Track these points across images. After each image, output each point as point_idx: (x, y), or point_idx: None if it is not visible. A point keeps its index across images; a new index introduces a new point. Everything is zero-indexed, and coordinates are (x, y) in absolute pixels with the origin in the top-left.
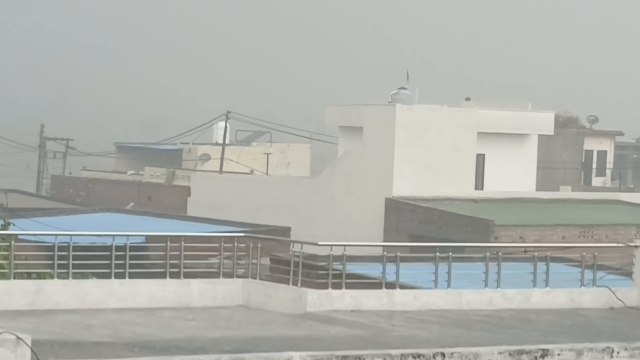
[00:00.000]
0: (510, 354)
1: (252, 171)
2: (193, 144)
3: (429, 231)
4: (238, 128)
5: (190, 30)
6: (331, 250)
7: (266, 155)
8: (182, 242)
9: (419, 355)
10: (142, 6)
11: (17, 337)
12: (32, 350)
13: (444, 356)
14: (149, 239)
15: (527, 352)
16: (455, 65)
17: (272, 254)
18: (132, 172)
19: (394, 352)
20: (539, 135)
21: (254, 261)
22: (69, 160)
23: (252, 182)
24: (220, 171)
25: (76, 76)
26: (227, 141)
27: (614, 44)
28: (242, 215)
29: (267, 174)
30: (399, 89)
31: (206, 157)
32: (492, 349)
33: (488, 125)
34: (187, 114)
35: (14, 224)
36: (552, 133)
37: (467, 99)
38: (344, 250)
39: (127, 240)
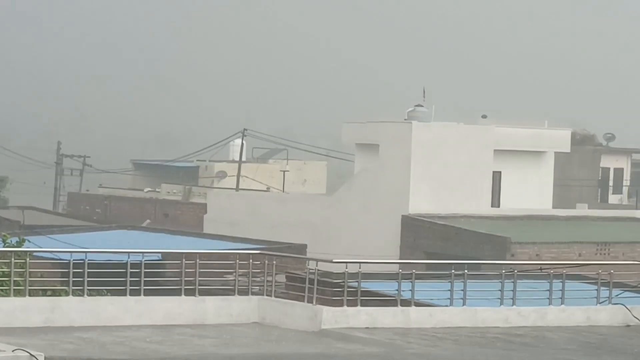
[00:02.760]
0: None
1: (268, 188)
2: (209, 161)
3: (446, 248)
4: (255, 145)
5: (205, 48)
6: (346, 267)
7: (283, 172)
8: (197, 260)
9: None
10: (157, 25)
11: (30, 354)
12: None
13: None
14: (164, 256)
15: None
16: (471, 83)
17: (287, 272)
18: (149, 189)
19: None
20: (555, 152)
21: (269, 278)
22: (86, 177)
23: (269, 200)
24: (237, 188)
25: (92, 94)
26: (243, 158)
27: (630, 61)
28: (259, 232)
29: (283, 191)
30: (415, 106)
31: (223, 175)
32: None
33: (504, 143)
34: (204, 131)
35: (29, 241)
36: (568, 150)
37: (484, 117)
38: (359, 268)
39: (142, 258)
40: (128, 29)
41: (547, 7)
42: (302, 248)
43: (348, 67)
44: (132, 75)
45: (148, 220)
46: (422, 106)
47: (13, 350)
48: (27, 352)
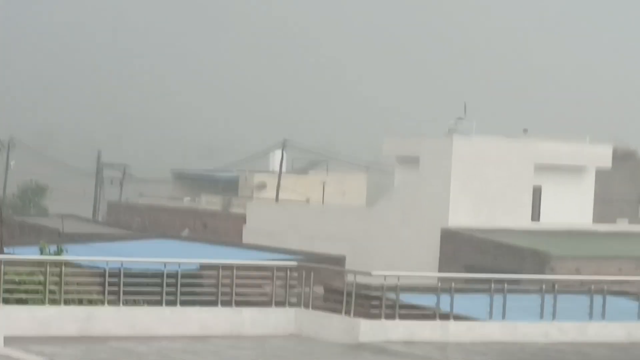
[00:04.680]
0: None
1: (308, 200)
2: (249, 172)
3: (485, 262)
4: (295, 157)
5: (247, 60)
6: (384, 280)
7: (322, 184)
8: (234, 271)
9: None
10: (199, 36)
11: None
12: None
13: None
14: (201, 266)
15: None
16: (512, 97)
17: (325, 283)
18: (189, 199)
19: None
20: (596, 168)
21: (307, 290)
22: (126, 186)
23: (308, 211)
24: (277, 200)
25: (133, 104)
26: (283, 170)
27: None
28: (298, 243)
29: (323, 203)
30: (456, 120)
31: (262, 185)
32: None
33: (545, 158)
34: (244, 142)
35: (66, 251)
36: (609, 166)
37: (525, 131)
38: (398, 281)
39: (179, 268)
40: (169, 40)
41: (588, 21)
42: (340, 260)
43: (389, 80)
44: (173, 86)
45: (187, 230)
46: (462, 120)
47: None
48: None
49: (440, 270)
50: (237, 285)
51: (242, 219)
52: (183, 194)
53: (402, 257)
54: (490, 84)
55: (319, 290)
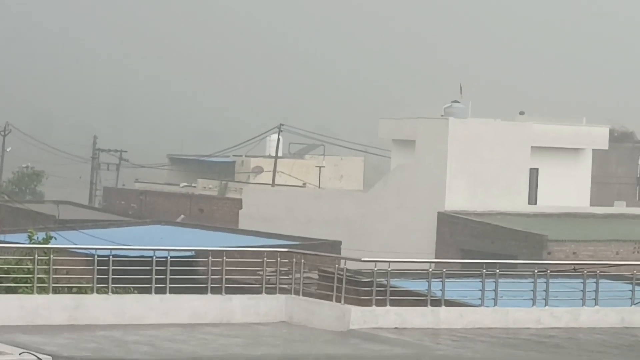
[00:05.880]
0: None
1: (304, 184)
2: (246, 156)
3: (482, 246)
4: (291, 141)
5: (244, 46)
6: (375, 266)
7: (319, 168)
8: (224, 257)
9: None
10: (197, 24)
11: (38, 358)
12: None
13: None
14: (195, 253)
15: None
16: (509, 79)
17: (320, 269)
18: (185, 184)
19: None
20: (593, 149)
21: (297, 276)
22: (122, 172)
23: (305, 195)
24: (273, 184)
25: (130, 89)
26: (280, 154)
27: None
28: (294, 228)
29: (319, 187)
30: (452, 102)
31: (259, 170)
32: None
33: (542, 140)
34: (241, 127)
35: (55, 238)
36: (606, 148)
37: (521, 113)
38: (389, 267)
39: (168, 255)
40: (167, 29)
41: (584, 7)
42: (336, 245)
43: (385, 63)
44: (170, 71)
45: (182, 216)
46: (458, 102)
47: (20, 354)
48: (35, 355)
49: (437, 254)
50: (228, 272)
51: (239, 203)
52: (179, 179)
53: (399, 240)
54: (486, 67)
55: (315, 275)
